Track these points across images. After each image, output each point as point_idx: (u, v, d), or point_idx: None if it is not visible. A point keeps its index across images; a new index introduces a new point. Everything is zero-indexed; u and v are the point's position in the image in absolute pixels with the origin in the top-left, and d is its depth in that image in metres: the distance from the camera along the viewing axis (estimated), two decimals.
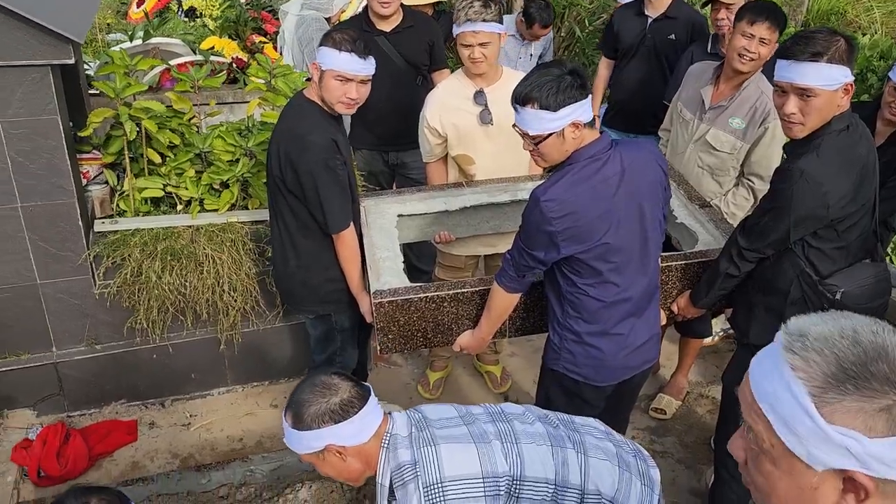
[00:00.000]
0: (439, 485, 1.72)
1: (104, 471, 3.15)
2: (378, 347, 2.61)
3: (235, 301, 3.34)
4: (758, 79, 3.11)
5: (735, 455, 1.03)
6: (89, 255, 3.17)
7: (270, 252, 3.01)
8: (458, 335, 2.62)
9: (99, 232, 3.26)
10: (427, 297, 2.52)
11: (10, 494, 2.91)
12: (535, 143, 2.18)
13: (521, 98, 2.14)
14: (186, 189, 3.37)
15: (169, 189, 3.39)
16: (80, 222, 3.10)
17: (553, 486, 1.80)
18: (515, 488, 1.77)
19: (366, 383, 1.89)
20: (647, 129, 4.00)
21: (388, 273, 2.65)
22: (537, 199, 2.13)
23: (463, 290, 2.56)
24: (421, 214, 3.11)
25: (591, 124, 2.17)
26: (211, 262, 3.27)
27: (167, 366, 3.43)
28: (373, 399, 1.84)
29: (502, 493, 1.75)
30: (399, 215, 3.02)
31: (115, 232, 3.27)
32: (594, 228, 2.15)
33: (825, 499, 0.90)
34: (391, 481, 1.78)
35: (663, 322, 2.62)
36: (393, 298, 2.51)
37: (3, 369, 3.21)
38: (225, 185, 3.42)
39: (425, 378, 3.71)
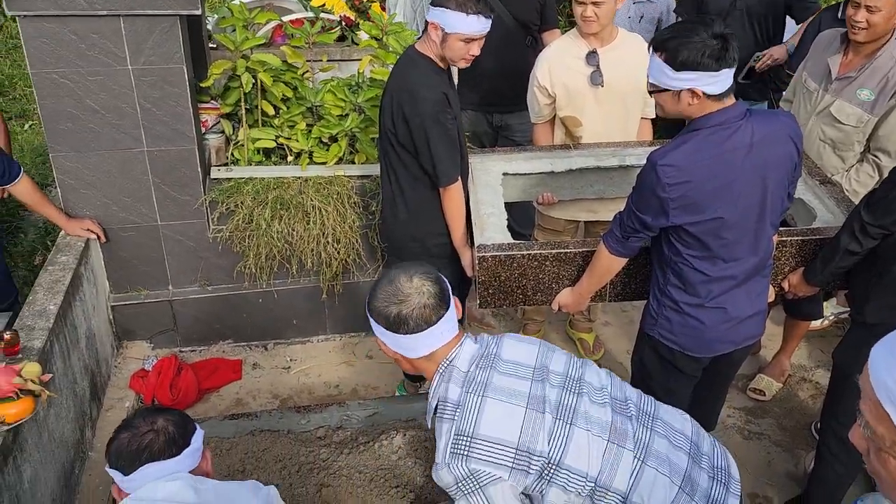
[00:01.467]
0: (469, 438, 1.61)
1: (211, 404, 3.35)
2: (477, 301, 2.64)
3: (338, 252, 3.44)
4: (892, 47, 2.91)
5: (857, 446, 0.99)
6: (205, 200, 3.33)
7: (379, 206, 3.08)
8: (557, 296, 2.63)
9: (215, 179, 3.41)
10: (530, 254, 2.53)
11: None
12: (650, 90, 2.13)
13: (656, 42, 2.08)
14: (297, 141, 3.48)
15: (280, 140, 3.50)
16: (199, 168, 3.26)
17: (592, 484, 1.63)
18: (549, 472, 1.62)
19: (449, 296, 1.76)
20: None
21: (493, 229, 2.67)
22: (654, 162, 2.08)
23: (566, 251, 2.55)
24: (525, 174, 3.10)
25: (721, 96, 2.06)
26: (317, 213, 3.37)
27: (271, 311, 3.59)
28: (444, 322, 1.69)
29: (533, 471, 1.61)
30: (504, 174, 3.02)
31: (230, 179, 3.42)
32: (709, 201, 2.08)
33: None
34: (436, 408, 1.71)
35: (771, 299, 2.53)
36: (496, 254, 2.53)
37: (126, 303, 3.44)
38: (334, 139, 3.51)
39: None
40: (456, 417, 1.63)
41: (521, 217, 3.93)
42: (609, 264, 2.38)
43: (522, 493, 1.64)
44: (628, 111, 3.11)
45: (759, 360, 3.62)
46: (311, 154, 3.50)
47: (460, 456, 1.60)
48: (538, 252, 2.54)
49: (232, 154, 3.54)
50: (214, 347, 3.63)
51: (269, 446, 2.72)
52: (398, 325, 1.67)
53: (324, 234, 3.39)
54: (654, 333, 2.36)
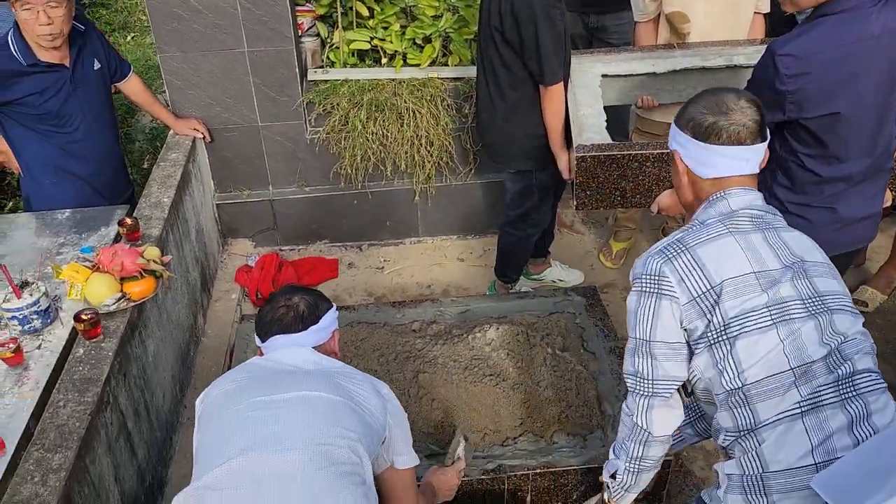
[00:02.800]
0: (684, 248, 1.55)
1: None
2: (574, 203, 2.63)
3: (431, 155, 3.48)
4: None
5: None
6: (303, 101, 3.40)
7: (472, 108, 3.08)
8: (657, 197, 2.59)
9: (311, 80, 3.47)
10: (630, 154, 2.49)
11: (233, 309, 3.33)
12: None
13: None
14: (391, 43, 3.48)
15: (375, 42, 3.51)
16: (297, 69, 3.32)
17: (737, 385, 1.51)
18: (714, 338, 1.51)
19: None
20: None
21: (591, 130, 2.63)
22: (773, 52, 1.98)
23: (668, 151, 2.49)
24: (625, 76, 3.02)
25: None
26: (411, 115, 3.40)
27: (366, 212, 3.69)
28: (754, 150, 1.58)
29: (703, 323, 1.52)
30: (603, 75, 2.95)
31: (326, 81, 3.47)
32: (829, 95, 1.97)
33: None
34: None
35: (888, 203, 2.41)
36: (596, 153, 2.50)
37: (230, 202, 3.60)
38: (427, 39, 3.49)
39: (608, 247, 3.71)
40: (690, 230, 1.59)
41: (613, 125, 3.84)
42: None
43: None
44: (739, 5, 2.95)
45: (863, 272, 3.49)
46: (404, 56, 3.51)
47: (663, 256, 1.56)
48: (639, 153, 2.50)
49: (327, 57, 3.58)
50: (312, 247, 3.77)
51: (367, 336, 2.85)
52: (709, 134, 1.57)
53: (417, 136, 3.42)
54: None
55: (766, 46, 2.04)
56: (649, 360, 1.58)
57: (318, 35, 3.56)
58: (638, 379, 1.61)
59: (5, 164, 2.98)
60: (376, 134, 3.40)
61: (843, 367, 1.50)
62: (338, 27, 3.50)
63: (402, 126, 3.41)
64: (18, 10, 2.57)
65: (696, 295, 1.52)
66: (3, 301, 2.17)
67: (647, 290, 1.56)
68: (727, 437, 1.58)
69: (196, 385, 2.90)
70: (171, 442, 2.59)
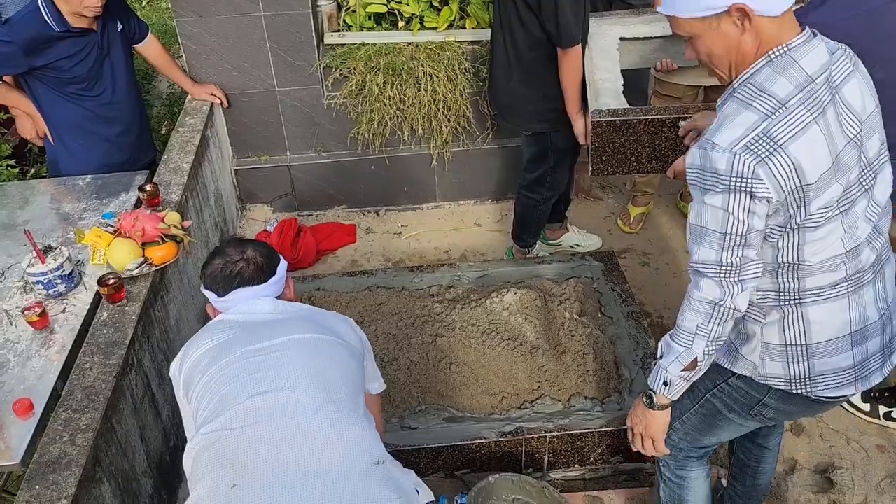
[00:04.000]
0: (777, 146, 1.41)
1: (328, 264, 3.53)
2: (590, 168, 2.62)
3: (449, 119, 3.46)
4: None
5: None
6: (319, 65, 3.39)
7: (487, 70, 3.04)
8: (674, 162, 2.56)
9: (328, 44, 3.45)
10: (647, 119, 2.46)
11: None
12: None
13: None
14: (408, 5, 3.44)
15: (392, 5, 3.47)
16: (313, 33, 3.30)
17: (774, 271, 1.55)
18: (789, 226, 1.49)
19: None
20: None
21: (607, 94, 2.60)
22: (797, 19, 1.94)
23: (686, 115, 2.46)
24: (644, 39, 2.97)
25: None
26: (428, 79, 3.37)
27: (383, 177, 3.68)
28: None
29: (784, 217, 1.47)
30: (621, 38, 2.90)
31: (343, 45, 3.45)
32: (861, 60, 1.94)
33: None
34: (742, 88, 1.48)
35: None
36: (611, 119, 2.48)
37: (249, 167, 3.62)
38: (445, 2, 3.45)
39: (626, 212, 3.70)
40: (774, 117, 1.41)
41: (632, 89, 3.79)
42: None
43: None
44: None
45: None
46: (421, 19, 3.47)
47: (755, 155, 1.40)
48: (656, 117, 2.47)
49: (344, 21, 3.55)
50: (330, 212, 3.79)
51: (385, 301, 2.88)
52: None
53: (434, 100, 3.40)
54: None
55: None
56: (740, 251, 1.48)
57: None
58: (724, 268, 1.50)
59: (36, 133, 3.00)
60: (393, 98, 3.38)
61: (878, 245, 1.58)
62: None
63: (419, 90, 3.39)
64: None
65: (789, 192, 1.43)
66: (28, 266, 2.21)
67: (739, 188, 1.43)
68: (765, 297, 1.58)
69: None
70: None
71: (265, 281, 1.74)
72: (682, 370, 1.62)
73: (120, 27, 2.88)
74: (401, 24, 3.50)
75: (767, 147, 1.40)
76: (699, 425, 1.86)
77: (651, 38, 2.96)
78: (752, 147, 1.40)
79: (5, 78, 2.84)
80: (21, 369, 2.01)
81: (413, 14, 3.45)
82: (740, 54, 1.47)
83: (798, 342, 1.59)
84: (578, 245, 3.50)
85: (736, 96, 1.47)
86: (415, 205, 3.81)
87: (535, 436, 2.33)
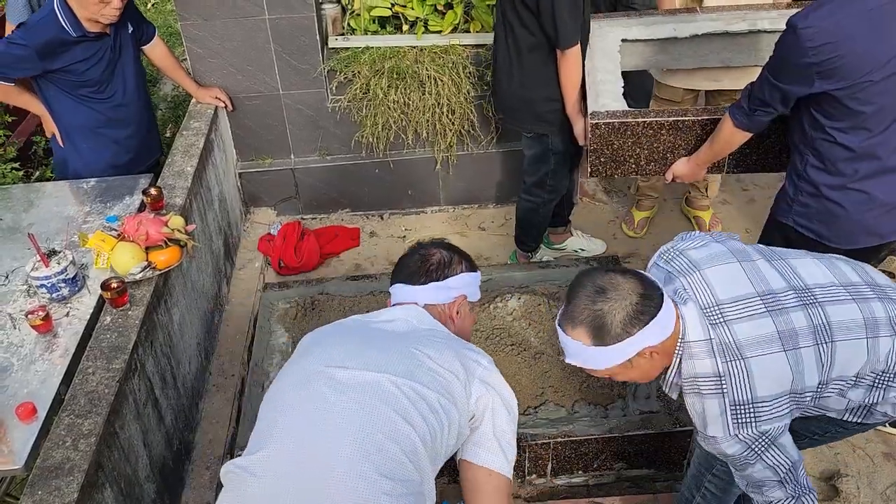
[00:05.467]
0: (750, 405, 1.53)
1: (332, 268, 3.53)
2: (588, 170, 2.61)
3: (453, 123, 3.45)
4: None
5: None
6: (324, 69, 3.38)
7: (491, 71, 3.04)
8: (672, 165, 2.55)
9: (332, 48, 3.45)
10: (645, 122, 2.45)
11: (257, 277, 3.36)
12: None
13: None
14: (412, 9, 3.44)
15: (396, 9, 3.47)
16: (318, 37, 3.30)
17: (855, 379, 1.66)
18: (819, 393, 1.64)
19: (641, 272, 1.61)
20: None
21: (607, 96, 2.60)
22: (794, 26, 1.93)
23: (684, 119, 2.45)
24: (645, 40, 2.96)
25: None
26: (432, 82, 3.37)
27: (387, 181, 3.68)
28: (655, 322, 1.54)
29: (806, 400, 1.60)
30: (623, 40, 2.89)
31: (347, 49, 3.45)
32: (859, 62, 1.92)
33: None
34: (687, 384, 1.62)
35: None
36: (610, 121, 2.47)
37: (253, 171, 3.62)
38: (449, 5, 3.45)
39: (630, 216, 3.69)
40: (725, 389, 1.54)
41: (636, 91, 3.79)
42: (731, 137, 2.28)
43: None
44: None
45: None
46: (426, 22, 3.47)
47: (748, 424, 1.54)
48: (654, 120, 2.46)
49: (348, 24, 3.55)
50: (334, 215, 3.78)
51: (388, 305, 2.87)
52: (647, 306, 1.53)
53: (439, 104, 3.40)
54: (787, 220, 2.24)
55: (786, 20, 1.99)
56: (796, 472, 1.63)
57: (338, 1, 3.52)
58: (797, 489, 1.63)
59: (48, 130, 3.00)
60: (398, 102, 3.38)
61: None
62: None
63: (423, 94, 3.38)
64: None
65: (790, 406, 1.61)
66: (32, 269, 2.21)
67: (764, 447, 1.58)
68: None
69: (220, 352, 2.94)
70: (197, 408, 2.64)
71: (425, 283, 1.63)
72: None
73: (131, 30, 2.90)
74: (405, 27, 3.50)
75: (748, 412, 1.54)
76: (723, 487, 1.93)
77: (652, 39, 2.96)
78: (739, 422, 1.54)
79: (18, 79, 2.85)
80: (24, 373, 2.01)
81: (417, 18, 3.45)
82: (656, 368, 1.62)
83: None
84: (582, 249, 3.49)
85: (687, 392, 1.62)
86: (419, 209, 3.80)
87: (539, 442, 2.32)
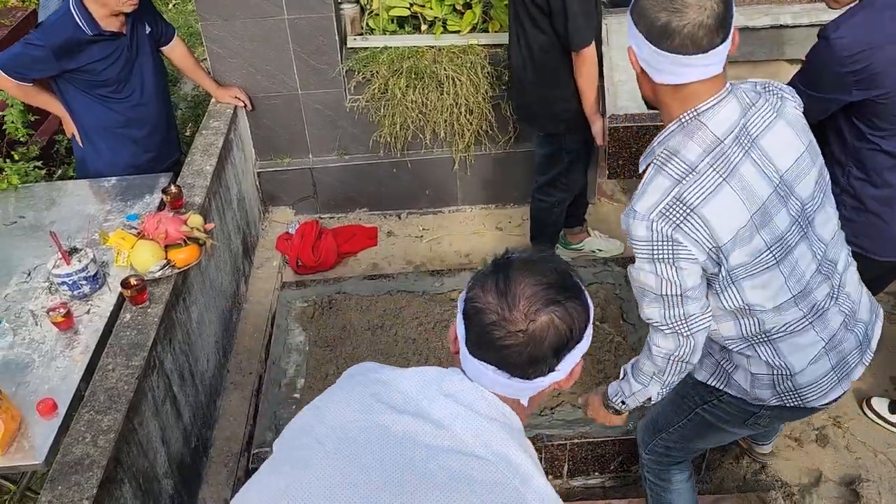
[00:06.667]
0: (689, 210, 1.43)
1: (349, 267, 3.54)
2: (606, 171, 2.60)
3: (471, 123, 3.45)
4: None
5: None
6: (342, 69, 3.39)
7: (508, 72, 3.04)
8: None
9: (351, 48, 3.46)
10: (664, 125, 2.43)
11: (274, 276, 3.38)
12: None
13: None
14: (431, 9, 3.44)
15: (414, 9, 3.47)
16: (336, 37, 3.31)
17: (748, 314, 1.57)
18: (724, 284, 1.53)
19: None
20: None
21: (626, 97, 2.58)
22: (827, 36, 1.92)
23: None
24: None
25: None
26: (451, 82, 3.36)
27: (405, 181, 3.68)
28: (714, 54, 1.39)
29: (714, 271, 1.50)
30: None
31: (365, 49, 3.45)
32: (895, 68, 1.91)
33: None
34: (659, 154, 1.50)
35: None
36: (629, 124, 2.46)
37: (271, 170, 3.63)
38: (468, 5, 3.44)
39: None
40: (685, 182, 1.44)
41: None
42: None
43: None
44: None
45: None
46: (444, 22, 3.46)
47: (669, 221, 1.44)
48: None
49: (367, 24, 3.56)
50: (351, 215, 3.79)
51: (405, 305, 2.88)
52: (661, 37, 1.38)
53: (457, 104, 3.39)
54: None
55: (809, 15, 1.98)
56: (682, 307, 1.52)
57: (357, 1, 3.53)
58: (671, 323, 1.54)
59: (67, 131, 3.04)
60: (416, 102, 3.38)
61: (832, 273, 1.62)
62: None
63: (441, 94, 3.38)
64: None
65: (708, 249, 1.47)
66: (54, 267, 2.24)
67: (664, 255, 1.46)
68: (735, 341, 1.63)
69: (238, 350, 2.96)
70: (214, 405, 2.66)
71: (528, 378, 1.03)
72: (639, 403, 1.72)
73: (148, 30, 2.92)
74: (423, 27, 3.50)
75: (681, 212, 1.44)
76: (688, 434, 1.90)
77: None
78: (667, 213, 1.44)
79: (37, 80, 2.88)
80: (45, 369, 2.03)
81: (436, 17, 3.45)
82: (647, 95, 1.53)
83: (781, 370, 1.62)
84: (600, 250, 3.47)
85: (655, 160, 1.51)
86: (436, 208, 3.80)
87: (556, 443, 2.31)
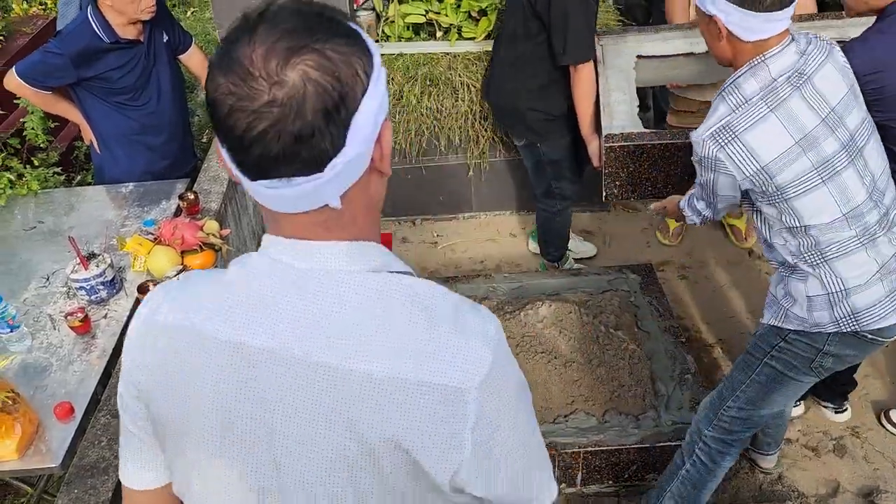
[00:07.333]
0: (733, 135, 1.71)
1: None
2: (603, 193, 2.56)
3: (486, 130, 3.45)
4: None
5: None
6: None
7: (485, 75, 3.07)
8: (691, 188, 2.51)
9: None
10: (660, 144, 2.40)
11: None
12: None
13: None
14: (446, 16, 3.45)
15: (430, 16, 3.49)
16: None
17: (800, 232, 1.79)
18: (776, 199, 1.76)
19: None
20: None
21: (622, 117, 2.55)
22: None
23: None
24: (661, 57, 2.91)
25: None
26: (465, 89, 3.38)
27: (419, 187, 3.69)
28: (788, 10, 1.67)
29: (760, 189, 1.75)
30: (638, 56, 2.85)
31: (381, 55, 3.46)
32: None
33: None
34: (729, 85, 1.76)
35: None
36: (625, 144, 2.42)
37: None
38: (483, 12, 3.45)
39: (664, 225, 3.64)
40: (737, 112, 1.72)
41: (659, 104, 3.77)
42: None
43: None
44: None
45: None
46: (459, 29, 3.47)
47: (717, 143, 1.73)
48: (670, 142, 2.40)
49: (382, 31, 3.57)
50: None
51: None
52: (753, 1, 1.66)
53: (472, 110, 3.41)
54: None
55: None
56: (715, 206, 1.90)
57: (373, 9, 3.55)
58: (706, 206, 1.94)
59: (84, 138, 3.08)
60: (430, 108, 3.40)
61: (883, 202, 1.80)
62: (393, 0, 3.48)
63: (456, 100, 3.39)
64: None
65: (750, 174, 1.72)
66: (72, 272, 2.26)
67: (709, 167, 1.77)
68: (798, 256, 1.81)
69: None
70: None
71: (307, 173, 0.77)
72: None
73: (166, 38, 2.94)
74: (439, 34, 3.51)
75: (727, 136, 1.72)
76: (756, 396, 1.95)
77: (669, 55, 2.90)
78: (716, 136, 1.73)
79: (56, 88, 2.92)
80: (63, 373, 2.05)
81: (451, 24, 3.46)
82: (725, 56, 1.78)
83: (837, 289, 1.78)
84: (570, 250, 3.44)
85: (722, 92, 1.77)
86: (451, 215, 3.81)
87: (569, 451, 2.31)
